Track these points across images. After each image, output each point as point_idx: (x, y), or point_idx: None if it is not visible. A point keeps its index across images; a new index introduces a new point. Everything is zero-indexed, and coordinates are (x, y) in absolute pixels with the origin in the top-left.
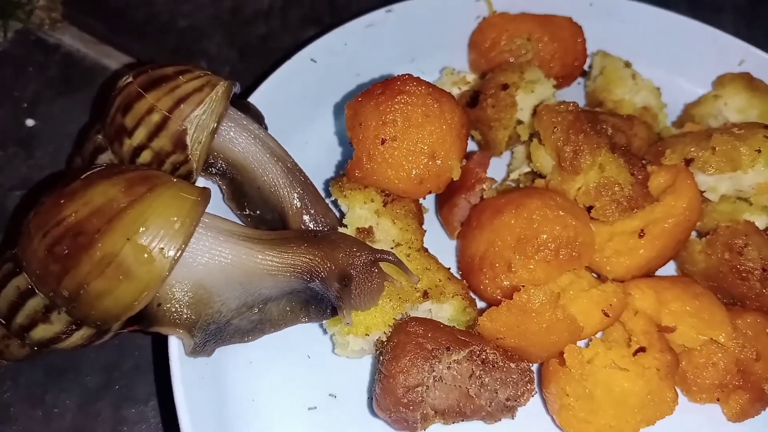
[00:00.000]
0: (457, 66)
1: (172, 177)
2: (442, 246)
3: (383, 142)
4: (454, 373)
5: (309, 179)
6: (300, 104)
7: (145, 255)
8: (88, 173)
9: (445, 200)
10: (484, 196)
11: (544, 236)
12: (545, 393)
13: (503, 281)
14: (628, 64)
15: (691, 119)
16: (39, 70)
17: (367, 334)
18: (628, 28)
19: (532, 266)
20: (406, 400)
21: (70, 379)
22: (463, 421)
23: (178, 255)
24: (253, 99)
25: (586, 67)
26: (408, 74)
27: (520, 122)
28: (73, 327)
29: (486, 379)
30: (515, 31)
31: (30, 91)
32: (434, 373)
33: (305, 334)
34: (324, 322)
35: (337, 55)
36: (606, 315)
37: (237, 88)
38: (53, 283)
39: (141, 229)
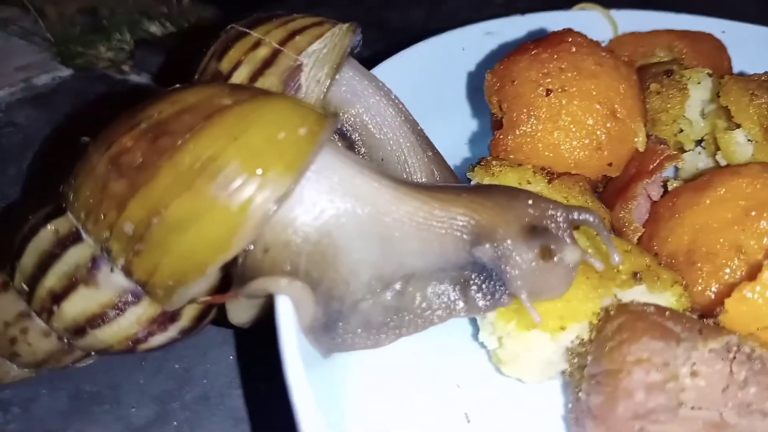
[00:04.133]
0: None
1: None
2: None
3: (548, 93)
4: (710, 370)
5: (434, 146)
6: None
7: (258, 164)
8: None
9: (616, 195)
10: (669, 188)
11: None
12: None
13: (731, 270)
14: None
15: None
16: (104, 99)
17: (562, 328)
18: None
19: (766, 241)
20: (651, 405)
21: (105, 411)
22: None
23: (303, 171)
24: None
25: None
26: (568, 28)
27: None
28: (129, 297)
29: (752, 387)
30: (653, 44)
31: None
32: (688, 366)
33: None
34: (487, 317)
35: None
36: None
37: (360, 35)
38: (112, 214)
39: (253, 129)
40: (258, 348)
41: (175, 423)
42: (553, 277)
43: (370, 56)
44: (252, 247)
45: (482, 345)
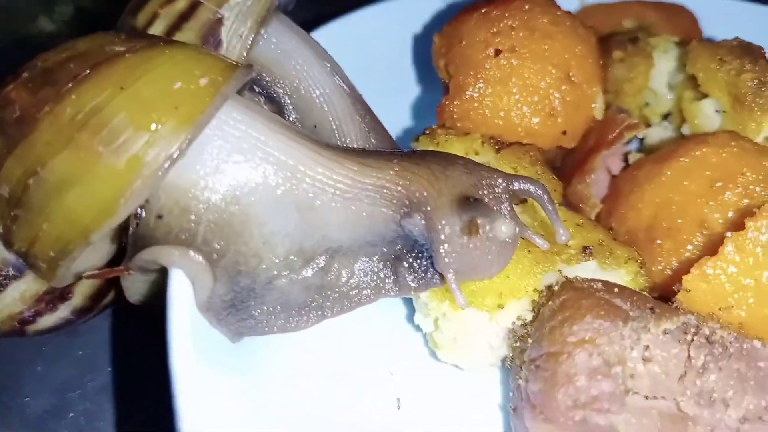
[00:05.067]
0: None
1: None
2: None
3: (497, 53)
4: (665, 354)
5: (373, 113)
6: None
7: (148, 117)
8: None
9: (574, 168)
10: (630, 161)
11: (747, 170)
12: None
13: (693, 247)
14: None
15: None
16: None
17: (500, 306)
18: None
19: (732, 215)
20: (595, 392)
21: (1, 402)
22: None
23: (201, 126)
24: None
25: None
26: None
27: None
28: (11, 271)
29: (712, 373)
30: (622, 15)
31: None
32: (639, 348)
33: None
34: (420, 297)
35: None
36: None
37: None
38: None
39: (146, 78)
40: None
41: (72, 414)
42: (483, 255)
43: None
44: (144, 212)
45: (418, 327)
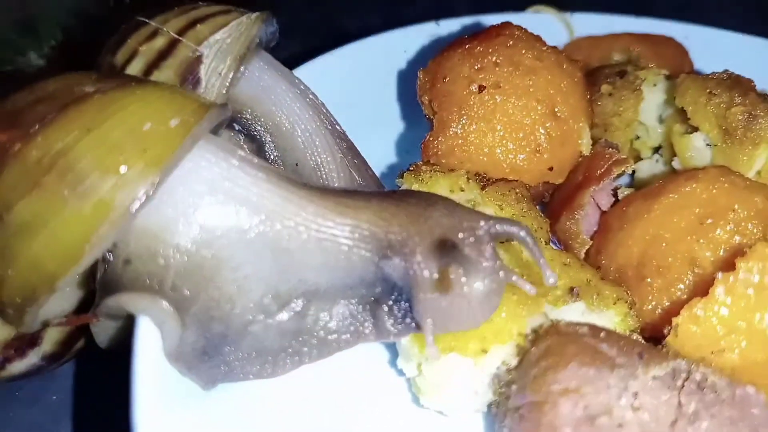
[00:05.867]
0: None
1: None
2: None
3: (481, 89)
4: (655, 401)
5: (357, 150)
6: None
7: (115, 160)
8: None
9: (562, 204)
10: (619, 196)
11: (738, 206)
12: None
13: (684, 286)
14: None
15: None
16: None
17: (484, 351)
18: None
19: (724, 252)
20: None
21: None
22: None
23: (170, 169)
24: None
25: None
26: (506, 21)
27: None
28: None
29: (704, 420)
30: (610, 47)
31: None
32: (627, 396)
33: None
34: (402, 341)
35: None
36: None
37: (275, 27)
38: None
39: (114, 119)
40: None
41: None
42: (463, 305)
43: None
44: (112, 257)
45: (401, 372)
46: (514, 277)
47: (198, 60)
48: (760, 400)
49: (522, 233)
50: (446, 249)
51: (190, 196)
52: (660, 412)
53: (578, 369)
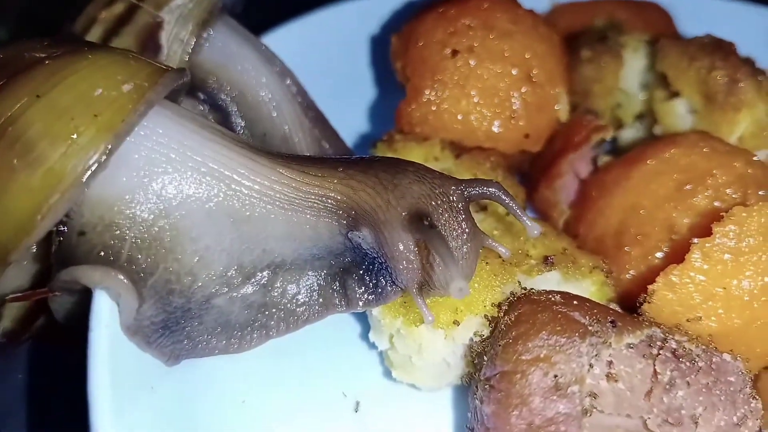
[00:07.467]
0: None
1: None
2: None
3: (454, 54)
4: (630, 370)
5: (326, 119)
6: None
7: (65, 126)
8: None
9: (540, 173)
10: (599, 164)
11: (717, 172)
12: None
13: (661, 253)
14: None
15: None
16: None
17: (456, 323)
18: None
19: (702, 219)
20: (550, 413)
21: None
22: None
23: (123, 135)
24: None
25: None
26: None
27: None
28: None
29: (680, 389)
30: (593, 13)
31: None
32: (600, 364)
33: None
34: (373, 313)
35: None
36: None
37: None
38: None
39: (64, 85)
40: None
41: None
42: (437, 274)
43: None
44: (66, 229)
45: (373, 345)
46: (489, 240)
47: (158, 26)
48: (737, 367)
49: (494, 190)
50: (420, 218)
51: (146, 164)
52: (635, 380)
53: (548, 337)
